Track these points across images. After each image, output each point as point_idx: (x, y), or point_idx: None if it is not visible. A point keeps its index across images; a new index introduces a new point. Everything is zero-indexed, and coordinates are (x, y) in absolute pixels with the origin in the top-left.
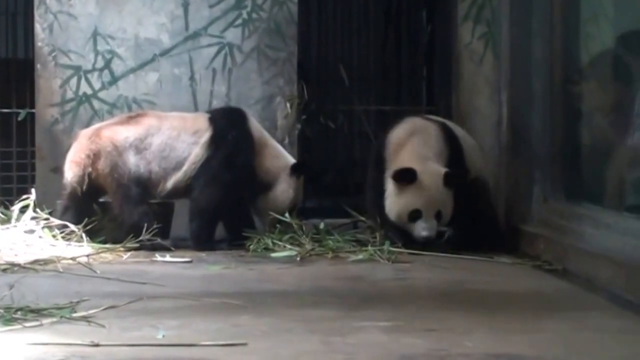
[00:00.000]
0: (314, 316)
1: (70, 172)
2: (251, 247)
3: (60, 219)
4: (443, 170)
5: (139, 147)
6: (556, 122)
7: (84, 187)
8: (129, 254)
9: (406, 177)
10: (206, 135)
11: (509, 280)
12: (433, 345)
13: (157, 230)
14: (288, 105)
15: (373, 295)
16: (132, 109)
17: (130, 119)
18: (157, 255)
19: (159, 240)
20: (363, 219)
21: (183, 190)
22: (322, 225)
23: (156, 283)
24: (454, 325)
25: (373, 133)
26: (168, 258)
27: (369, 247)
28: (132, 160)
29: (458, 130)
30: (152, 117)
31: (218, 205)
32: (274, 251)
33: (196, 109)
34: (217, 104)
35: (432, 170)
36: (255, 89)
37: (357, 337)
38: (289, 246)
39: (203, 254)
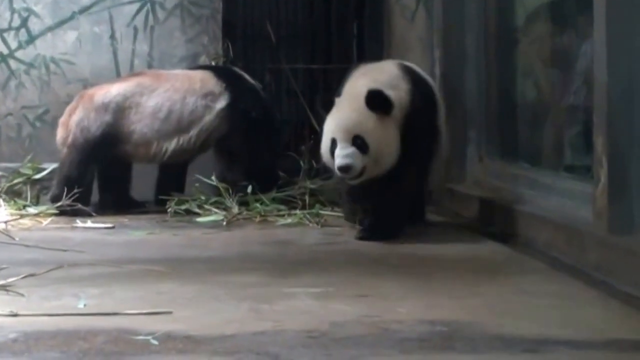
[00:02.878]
0: (242, 283)
1: (58, 134)
2: (172, 210)
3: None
4: (366, 88)
5: (121, 104)
6: (491, 80)
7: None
8: (49, 220)
9: (328, 105)
10: (222, 102)
11: (444, 244)
12: (364, 311)
13: (78, 195)
14: (213, 64)
15: (302, 260)
16: (50, 69)
17: (124, 77)
18: (78, 221)
19: (79, 205)
20: (293, 180)
21: (188, 153)
22: (249, 188)
23: (77, 250)
24: (387, 291)
25: (301, 92)
26: (89, 224)
27: (298, 211)
28: (105, 118)
29: (426, 76)
30: (147, 76)
31: (266, 168)
32: (199, 215)
33: (117, 68)
34: (138, 63)
35: (354, 91)
36: (178, 48)
37: (286, 304)
38: (215, 210)
39: (126, 220)
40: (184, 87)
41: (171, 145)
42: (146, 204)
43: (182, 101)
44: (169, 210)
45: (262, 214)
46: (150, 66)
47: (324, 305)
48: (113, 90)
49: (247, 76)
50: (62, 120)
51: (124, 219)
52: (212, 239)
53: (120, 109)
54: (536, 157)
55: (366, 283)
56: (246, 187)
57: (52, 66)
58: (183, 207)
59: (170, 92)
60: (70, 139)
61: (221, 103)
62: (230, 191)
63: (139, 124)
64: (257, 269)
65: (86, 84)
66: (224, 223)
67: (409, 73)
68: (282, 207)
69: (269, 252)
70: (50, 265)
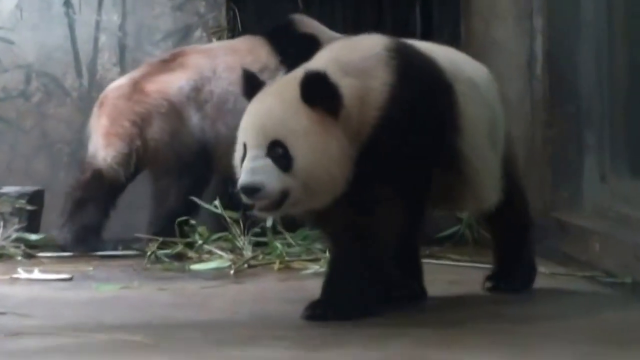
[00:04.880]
0: (257, 359)
1: (110, 149)
2: (152, 254)
3: (71, 219)
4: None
5: (198, 99)
6: (617, 61)
7: (132, 169)
8: None
9: (247, 89)
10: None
11: (549, 300)
12: None
13: (25, 226)
14: (214, 40)
15: (342, 325)
16: None
17: (169, 63)
18: (20, 270)
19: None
20: None
21: None
22: (269, 222)
23: (21, 312)
24: None
25: None
26: (36, 274)
27: None
28: (195, 121)
29: (450, 60)
30: (198, 54)
31: None
32: (195, 261)
33: (75, 48)
34: (105, 40)
35: (293, 74)
36: (163, 18)
37: None
38: (218, 252)
39: (89, 267)
40: (235, 63)
41: None
42: (120, 245)
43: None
44: (148, 254)
45: (285, 257)
46: (122, 45)
47: None
48: (183, 82)
49: (320, 32)
50: (114, 131)
51: (86, 267)
52: (213, 296)
53: (199, 105)
54: None
55: (438, 357)
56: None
57: None
58: (174, 250)
59: (228, 72)
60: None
61: None
62: (242, 224)
63: (218, 122)
64: (278, 339)
65: (30, 71)
66: (232, 271)
67: (399, 57)
68: (313, 247)
69: (295, 313)
70: None
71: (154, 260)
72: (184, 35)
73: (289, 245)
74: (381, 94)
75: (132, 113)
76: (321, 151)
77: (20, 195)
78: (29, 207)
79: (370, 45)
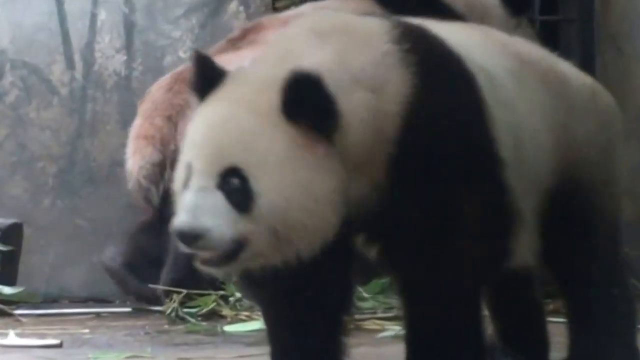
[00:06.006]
0: None
1: (137, 158)
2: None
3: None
4: (291, 70)
5: None
6: None
7: (165, 184)
8: None
9: (200, 81)
10: None
11: None
12: None
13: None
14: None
15: None
16: None
17: (237, 42)
18: None
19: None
20: None
21: None
22: None
23: None
24: None
25: None
26: (13, 339)
27: None
28: None
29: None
30: (278, 27)
31: None
32: (232, 320)
33: (64, 27)
34: (106, 18)
35: (262, 70)
36: None
37: None
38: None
39: (84, 330)
40: None
41: None
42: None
43: None
44: (168, 311)
45: (355, 315)
46: (129, 24)
47: None
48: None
49: None
50: (144, 132)
51: (80, 328)
52: None
53: None
54: None
55: None
56: None
57: None
58: (202, 307)
59: None
60: None
61: None
62: None
63: None
64: None
65: (3, 60)
66: None
67: (417, 54)
68: (392, 301)
69: None
70: None
71: (175, 320)
72: (214, 9)
73: (360, 298)
74: (394, 116)
75: (169, 107)
76: (300, 186)
77: None
78: (2, 247)
79: (378, 36)
